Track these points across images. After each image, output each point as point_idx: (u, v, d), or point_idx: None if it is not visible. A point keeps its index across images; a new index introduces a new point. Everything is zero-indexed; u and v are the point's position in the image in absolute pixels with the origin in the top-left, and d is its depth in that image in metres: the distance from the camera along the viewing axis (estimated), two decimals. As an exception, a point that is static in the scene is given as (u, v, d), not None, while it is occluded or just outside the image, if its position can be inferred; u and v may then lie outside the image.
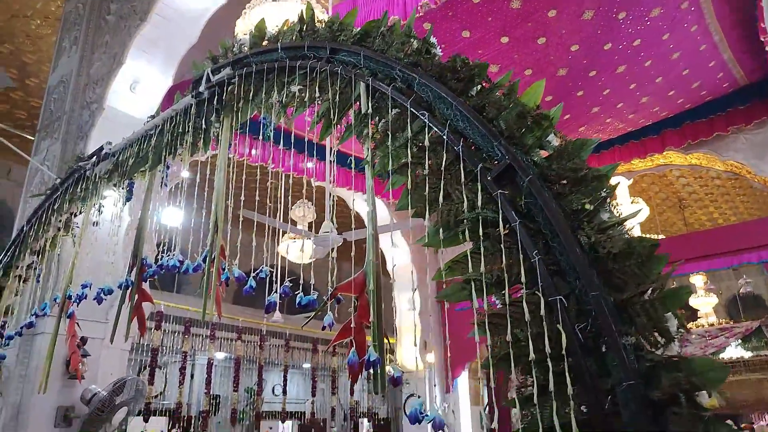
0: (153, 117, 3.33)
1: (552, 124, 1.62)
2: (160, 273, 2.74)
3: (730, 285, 13.60)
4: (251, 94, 2.55)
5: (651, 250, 1.35)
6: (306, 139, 6.92)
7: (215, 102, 2.79)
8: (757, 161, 7.94)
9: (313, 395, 9.33)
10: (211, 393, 11.87)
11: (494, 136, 1.66)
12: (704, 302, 11.10)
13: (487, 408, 10.22)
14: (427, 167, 1.77)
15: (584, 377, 1.31)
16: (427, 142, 1.79)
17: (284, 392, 8.43)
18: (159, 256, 2.91)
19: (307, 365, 13.88)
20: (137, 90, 5.88)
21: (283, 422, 9.07)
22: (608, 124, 8.06)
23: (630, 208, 7.70)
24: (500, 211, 1.55)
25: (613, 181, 1.63)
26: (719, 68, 7.00)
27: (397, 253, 9.90)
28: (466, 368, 9.98)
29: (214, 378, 12.62)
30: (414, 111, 1.88)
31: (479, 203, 1.59)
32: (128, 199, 3.48)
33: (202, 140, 2.89)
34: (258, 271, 2.14)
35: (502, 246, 1.51)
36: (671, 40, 6.08)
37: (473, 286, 1.51)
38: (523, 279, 1.46)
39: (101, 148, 3.56)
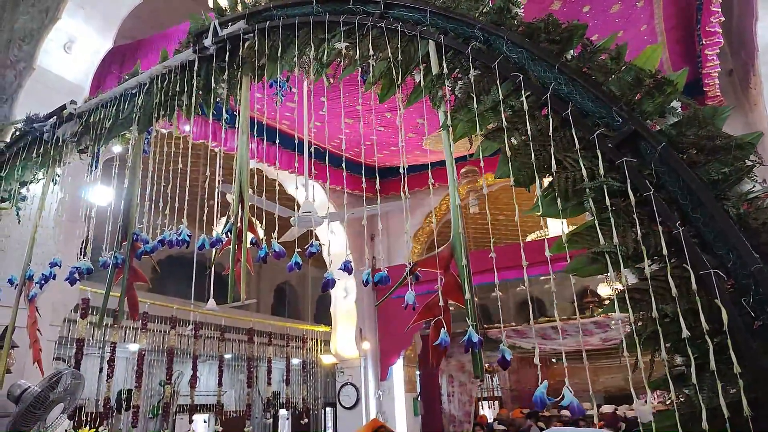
0: (133, 75, 2.92)
1: (677, 89, 1.53)
2: (160, 249, 2.40)
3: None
4: (279, 51, 2.27)
5: (812, 222, 1.29)
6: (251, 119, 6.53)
7: (226, 58, 2.47)
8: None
9: (249, 386, 8.91)
10: (123, 387, 11.13)
11: (613, 101, 1.54)
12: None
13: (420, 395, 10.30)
14: (528, 133, 1.62)
15: (751, 355, 1.24)
16: (525, 107, 1.65)
17: (219, 384, 8.00)
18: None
19: (228, 356, 13.29)
20: (72, 50, 5.23)
21: (216, 416, 8.61)
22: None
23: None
24: (628, 180, 1.44)
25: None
26: (656, 69, 7.41)
27: (333, 239, 9.64)
28: (401, 356, 9.96)
29: (128, 371, 11.82)
30: (504, 74, 1.72)
31: (601, 172, 1.48)
32: (96, 167, 3.06)
33: (204, 101, 2.57)
34: (308, 246, 1.91)
35: (635, 217, 1.41)
36: (624, 37, 6.31)
37: (609, 259, 1.39)
38: (665, 251, 1.36)
39: (62, 108, 3.08)
